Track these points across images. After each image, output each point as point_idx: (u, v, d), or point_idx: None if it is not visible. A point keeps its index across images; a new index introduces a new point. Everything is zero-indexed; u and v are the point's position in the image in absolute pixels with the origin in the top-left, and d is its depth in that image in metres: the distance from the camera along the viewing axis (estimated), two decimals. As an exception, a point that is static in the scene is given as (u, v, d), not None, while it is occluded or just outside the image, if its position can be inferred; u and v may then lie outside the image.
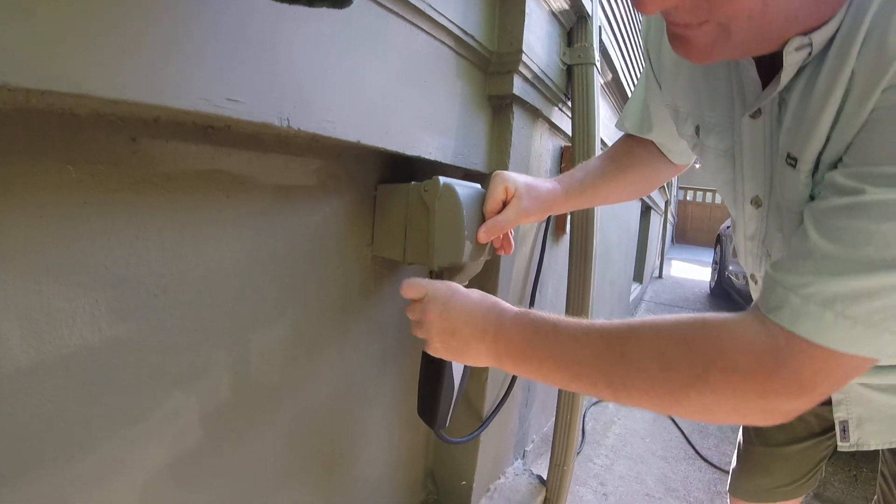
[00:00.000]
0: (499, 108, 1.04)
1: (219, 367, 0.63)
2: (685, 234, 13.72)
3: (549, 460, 1.37)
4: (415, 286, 0.64)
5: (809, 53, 0.45)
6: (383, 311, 0.92)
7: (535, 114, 1.16)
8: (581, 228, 1.25)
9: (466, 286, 0.67)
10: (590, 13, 1.21)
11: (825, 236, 0.41)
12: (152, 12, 0.41)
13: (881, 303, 0.38)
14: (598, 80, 1.27)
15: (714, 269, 5.64)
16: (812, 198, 0.48)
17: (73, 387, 0.48)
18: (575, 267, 1.26)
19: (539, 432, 1.83)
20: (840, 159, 0.44)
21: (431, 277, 0.75)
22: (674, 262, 9.13)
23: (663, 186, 5.46)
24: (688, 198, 13.56)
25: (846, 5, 0.42)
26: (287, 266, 0.70)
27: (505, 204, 0.74)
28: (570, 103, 1.27)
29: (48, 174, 0.45)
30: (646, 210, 5.03)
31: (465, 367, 0.79)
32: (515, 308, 0.58)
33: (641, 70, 2.34)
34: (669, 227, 9.15)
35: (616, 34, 1.73)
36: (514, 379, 1.25)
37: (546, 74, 1.10)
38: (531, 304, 1.32)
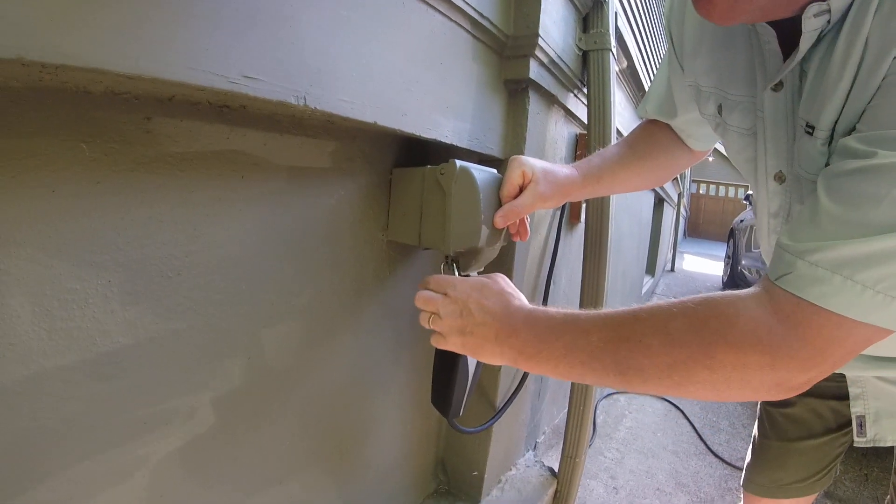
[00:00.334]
0: (514, 92, 1.02)
1: (232, 351, 0.62)
2: (698, 228, 13.60)
3: (560, 452, 1.36)
4: (443, 282, 0.63)
5: (828, 21, 0.44)
6: (397, 297, 0.91)
7: (550, 99, 1.14)
8: (596, 217, 1.23)
9: (482, 272, 0.66)
10: (606, -2, 1.18)
11: (834, 200, 0.40)
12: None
13: (890, 269, 0.37)
14: (615, 67, 1.24)
15: (727, 264, 5.57)
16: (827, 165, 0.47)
17: (84, 369, 0.48)
18: (589, 257, 1.25)
19: (550, 424, 1.82)
20: (854, 128, 0.44)
21: (447, 262, 0.74)
22: (686, 255, 9.06)
23: (676, 178, 5.40)
24: (701, 191, 13.43)
25: None
26: (301, 249, 0.70)
27: (522, 189, 0.73)
28: (585, 90, 1.24)
29: (62, 153, 0.44)
30: (658, 202, 4.97)
31: None
32: (528, 306, 0.57)
33: (657, 59, 2.32)
34: (682, 221, 9.08)
35: (631, 21, 1.70)
36: (526, 370, 1.24)
37: (562, 59, 1.08)
38: (546, 294, 1.31)
